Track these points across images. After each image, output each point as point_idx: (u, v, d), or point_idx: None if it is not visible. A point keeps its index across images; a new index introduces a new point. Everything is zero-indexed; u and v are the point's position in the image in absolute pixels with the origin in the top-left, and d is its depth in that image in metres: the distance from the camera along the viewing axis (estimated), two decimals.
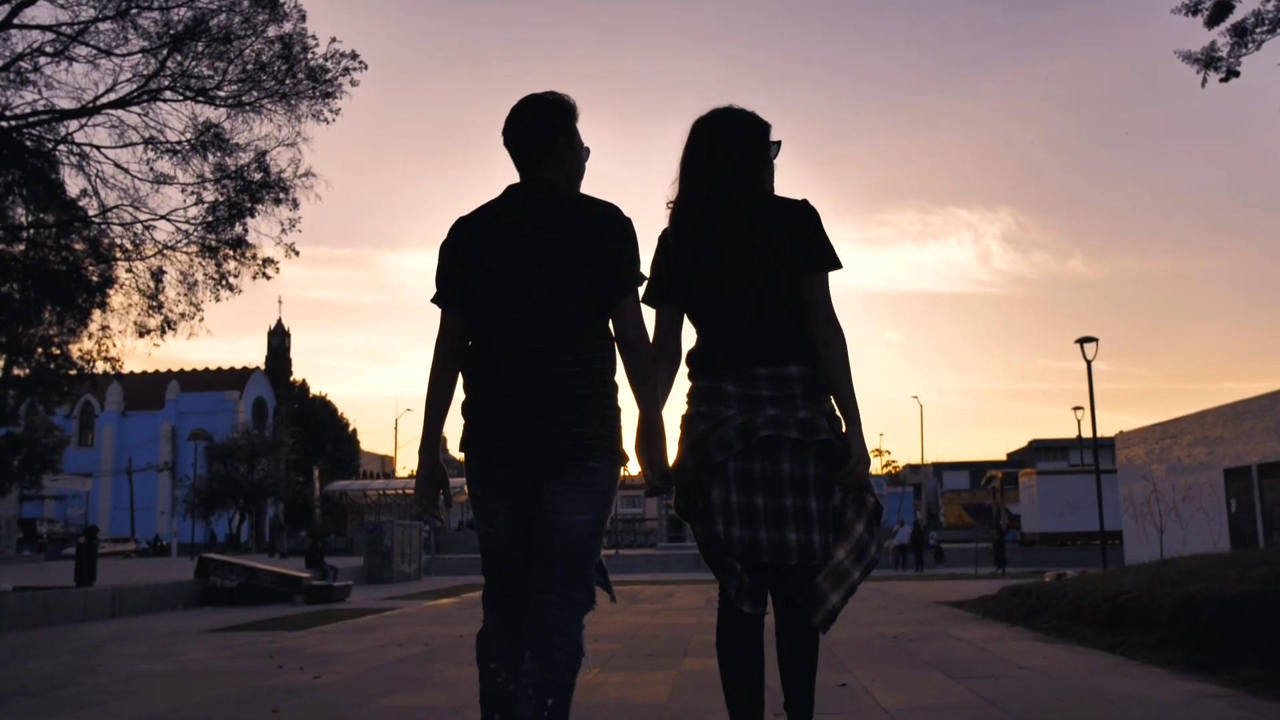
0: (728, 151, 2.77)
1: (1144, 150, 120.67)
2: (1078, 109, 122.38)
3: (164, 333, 17.35)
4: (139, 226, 17.25)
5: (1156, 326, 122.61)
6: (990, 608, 9.46)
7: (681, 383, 2.81)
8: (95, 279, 17.43)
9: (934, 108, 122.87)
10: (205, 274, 17.51)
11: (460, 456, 2.65)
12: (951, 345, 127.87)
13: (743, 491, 2.61)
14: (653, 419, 2.60)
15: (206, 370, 78.70)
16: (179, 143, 16.91)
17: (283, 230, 17.41)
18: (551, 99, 2.71)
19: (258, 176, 17.13)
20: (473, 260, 2.58)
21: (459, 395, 2.66)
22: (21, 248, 17.82)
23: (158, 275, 17.31)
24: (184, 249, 17.35)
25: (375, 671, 6.09)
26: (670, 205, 2.84)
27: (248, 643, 8.42)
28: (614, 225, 2.59)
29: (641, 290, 2.68)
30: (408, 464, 76.24)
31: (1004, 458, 71.97)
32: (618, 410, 2.62)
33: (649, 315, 2.73)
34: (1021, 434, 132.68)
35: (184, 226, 17.27)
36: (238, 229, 17.12)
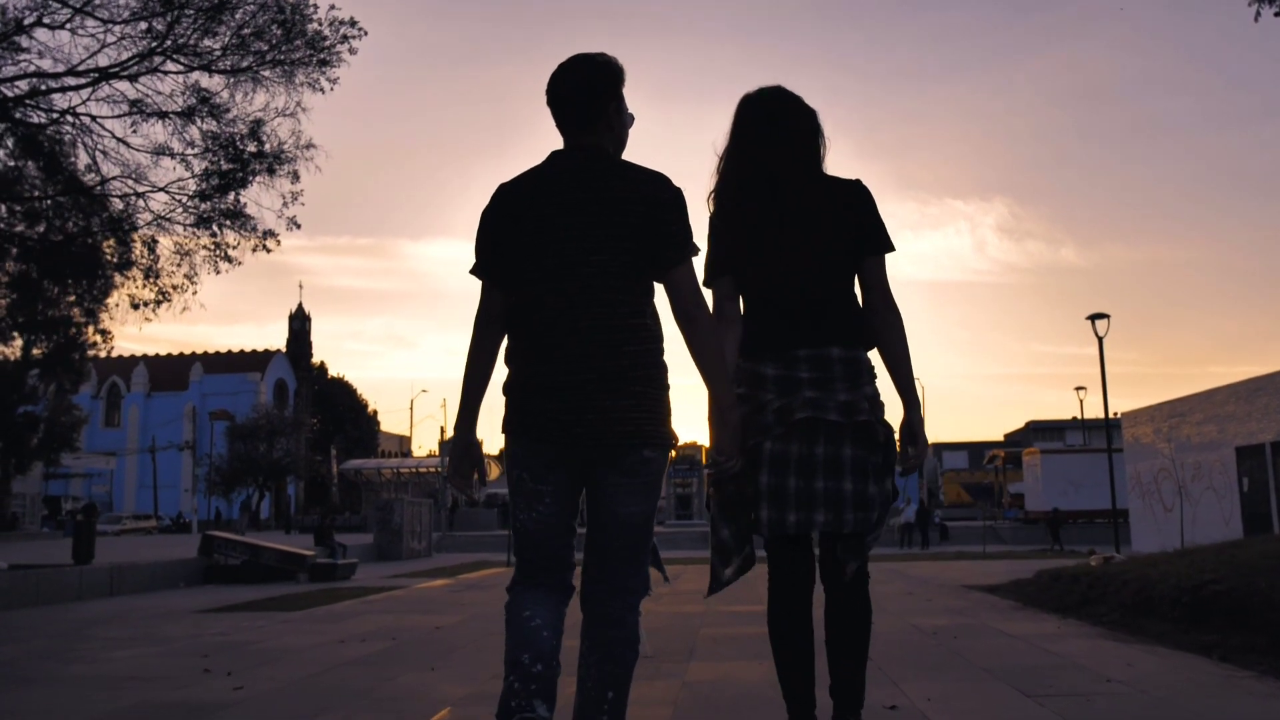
0: (787, 131, 2.68)
1: (1135, 143, 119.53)
2: (1071, 102, 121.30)
3: (159, 305, 16.36)
4: (136, 199, 16.28)
5: (1144, 312, 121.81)
6: (1031, 594, 8.13)
7: None
8: (114, 258, 16.54)
9: (930, 101, 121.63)
10: (202, 246, 16.58)
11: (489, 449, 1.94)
12: (949, 331, 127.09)
13: (776, 473, 2.55)
14: (721, 393, 2.41)
15: (229, 353, 78.31)
16: (175, 112, 15.89)
17: (284, 203, 16.61)
18: (602, 60, 2.48)
19: (252, 147, 16.07)
20: (516, 229, 2.38)
21: (499, 373, 2.47)
22: (42, 228, 16.91)
23: (151, 245, 16.24)
24: (179, 219, 16.35)
25: (315, 679, 4.82)
26: (714, 191, 2.75)
27: (219, 629, 7.40)
28: (666, 194, 2.40)
29: (698, 263, 2.47)
30: (424, 443, 75.78)
31: (1001, 438, 70.83)
32: (667, 390, 2.42)
33: (705, 293, 2.52)
34: (1017, 416, 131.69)
35: (180, 198, 16.30)
36: (232, 199, 16.15)
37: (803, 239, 2.60)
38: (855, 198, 2.65)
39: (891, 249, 2.66)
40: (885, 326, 2.62)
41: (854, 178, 2.69)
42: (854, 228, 2.62)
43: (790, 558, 2.67)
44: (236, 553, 15.80)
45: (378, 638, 6.54)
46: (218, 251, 16.45)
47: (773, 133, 2.68)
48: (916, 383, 2.70)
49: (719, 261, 2.69)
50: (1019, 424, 72.64)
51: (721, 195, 2.74)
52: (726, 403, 2.41)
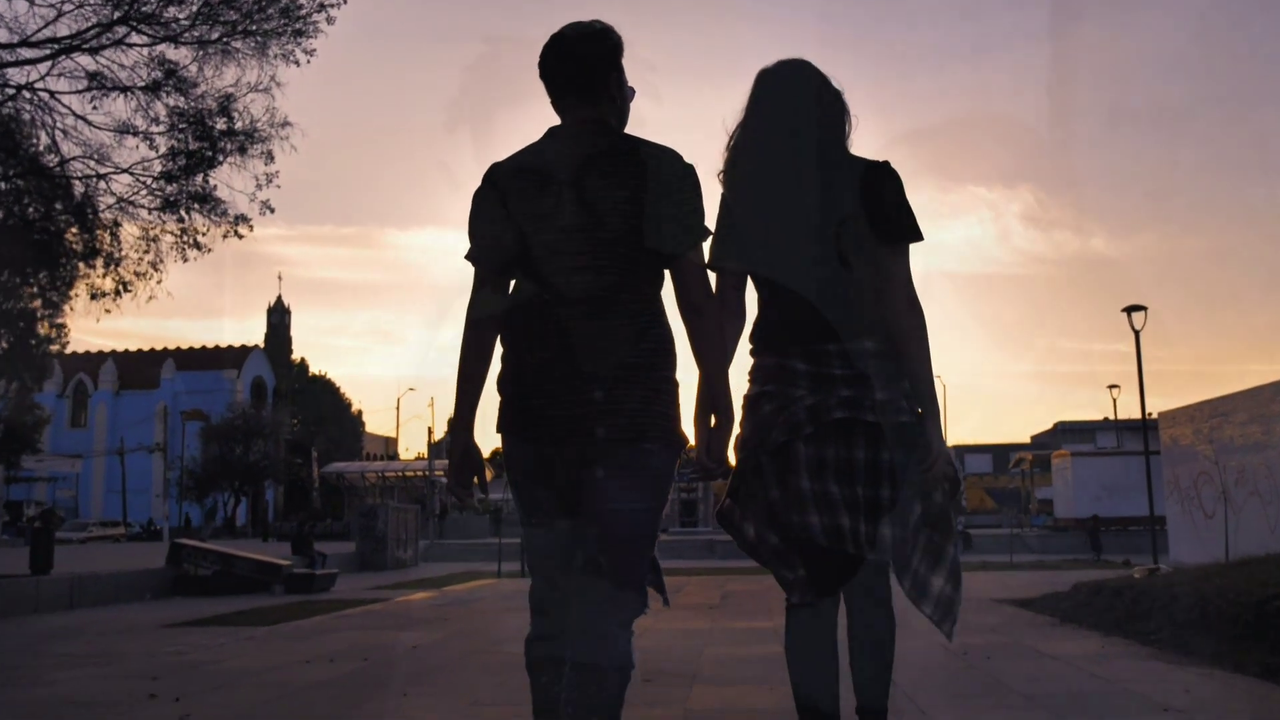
0: (809, 107, 2.63)
1: (1170, 126, 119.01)
2: (1102, 82, 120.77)
3: (119, 296, 16.13)
4: (97, 180, 16.09)
5: (1179, 307, 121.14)
6: (1069, 609, 7.89)
7: (741, 359, 2.67)
8: (78, 246, 16.38)
9: (952, 83, 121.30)
10: (169, 231, 16.39)
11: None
12: (970, 326, 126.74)
13: (816, 478, 2.49)
14: (718, 389, 2.38)
15: (204, 349, 78.18)
16: (139, 87, 15.69)
17: (258, 186, 16.34)
18: (600, 28, 2.43)
19: (222, 124, 15.89)
20: (512, 210, 2.34)
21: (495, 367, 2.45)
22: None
23: (113, 230, 16.03)
24: (144, 202, 16.14)
25: (270, 706, 4.59)
26: (725, 169, 2.69)
27: (178, 647, 7.21)
28: (675, 172, 2.34)
29: (705, 248, 2.44)
30: (410, 445, 75.72)
31: (1028, 440, 70.71)
32: (676, 385, 2.38)
33: (710, 278, 2.52)
34: (1045, 416, 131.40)
35: (145, 179, 16.11)
36: (201, 181, 15.96)
37: (820, 223, 2.56)
38: (877, 180, 2.59)
39: (915, 238, 2.59)
40: (900, 326, 2.55)
41: (882, 159, 2.64)
42: (874, 212, 2.56)
43: (836, 575, 2.55)
44: (207, 562, 15.77)
45: (348, 657, 6.33)
46: (185, 238, 16.25)
47: (793, 108, 2.63)
48: (937, 381, 2.65)
49: (727, 244, 2.63)
50: (1047, 425, 72.53)
51: (733, 173, 2.69)
52: (726, 403, 2.38)
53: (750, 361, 2.68)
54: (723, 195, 2.69)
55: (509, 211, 2.35)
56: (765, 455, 2.53)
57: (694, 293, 2.35)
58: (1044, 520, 42.06)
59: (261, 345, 78.31)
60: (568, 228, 2.31)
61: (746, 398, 2.65)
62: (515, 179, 2.37)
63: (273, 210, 16.58)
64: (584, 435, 2.28)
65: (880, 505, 2.52)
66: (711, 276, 2.55)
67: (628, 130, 2.49)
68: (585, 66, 2.41)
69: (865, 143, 2.70)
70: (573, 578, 2.37)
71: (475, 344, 2.42)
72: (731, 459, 2.56)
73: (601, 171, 2.32)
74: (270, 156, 16.13)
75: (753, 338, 2.69)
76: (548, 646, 2.39)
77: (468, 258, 2.43)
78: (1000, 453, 64.89)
